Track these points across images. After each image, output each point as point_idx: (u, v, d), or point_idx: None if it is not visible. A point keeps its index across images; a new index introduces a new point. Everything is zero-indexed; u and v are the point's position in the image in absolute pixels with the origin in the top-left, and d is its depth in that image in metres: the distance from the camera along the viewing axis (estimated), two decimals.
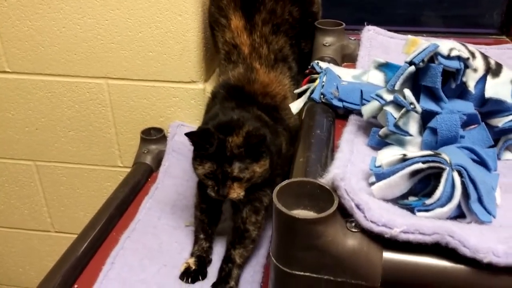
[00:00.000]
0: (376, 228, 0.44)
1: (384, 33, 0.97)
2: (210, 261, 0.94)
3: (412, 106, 0.58)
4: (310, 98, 0.75)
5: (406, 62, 0.59)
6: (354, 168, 0.56)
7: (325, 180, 0.48)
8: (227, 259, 0.89)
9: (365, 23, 0.99)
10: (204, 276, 0.90)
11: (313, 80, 0.79)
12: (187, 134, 0.86)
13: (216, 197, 0.87)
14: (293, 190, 0.47)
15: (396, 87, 0.60)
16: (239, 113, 0.90)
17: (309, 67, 0.85)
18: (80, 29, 1.16)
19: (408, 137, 0.60)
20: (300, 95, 0.81)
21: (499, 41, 1.11)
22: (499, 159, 0.62)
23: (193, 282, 0.88)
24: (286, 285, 0.46)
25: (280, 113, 0.98)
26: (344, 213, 0.46)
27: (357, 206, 0.45)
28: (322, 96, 0.73)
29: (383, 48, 0.94)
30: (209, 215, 0.96)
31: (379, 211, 0.45)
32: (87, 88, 1.23)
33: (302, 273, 0.45)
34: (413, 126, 0.60)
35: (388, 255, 0.44)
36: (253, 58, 1.02)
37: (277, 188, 0.46)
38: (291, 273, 0.45)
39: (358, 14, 1.15)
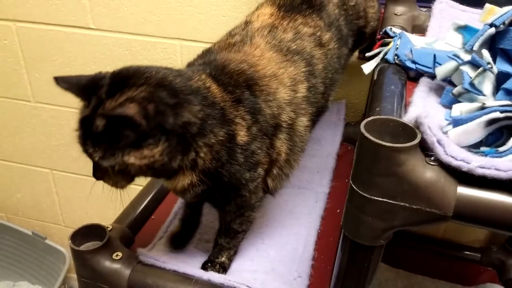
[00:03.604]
0: (454, 162, 0.47)
1: (456, 6, 0.98)
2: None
3: (489, 66, 0.61)
4: (383, 60, 0.79)
5: (486, 24, 0.62)
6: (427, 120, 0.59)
7: (407, 119, 0.52)
8: (215, 244, 0.82)
9: None
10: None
11: (386, 44, 0.83)
12: (56, 79, 0.62)
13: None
14: (377, 126, 0.51)
15: (475, 48, 0.63)
16: (166, 71, 0.64)
17: (381, 32, 0.88)
18: None
19: (481, 97, 0.62)
20: (370, 59, 0.85)
21: None
22: None
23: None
24: (363, 209, 0.51)
25: (254, 91, 0.70)
26: (424, 149, 0.50)
27: (438, 142, 0.49)
28: (396, 57, 0.77)
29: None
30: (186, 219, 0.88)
31: (458, 148, 0.49)
32: (162, 48, 1.31)
33: (380, 199, 0.49)
34: (487, 86, 0.62)
35: (462, 189, 0.48)
36: (260, 33, 0.78)
37: (364, 122, 0.51)
38: (369, 198, 0.50)
39: None
